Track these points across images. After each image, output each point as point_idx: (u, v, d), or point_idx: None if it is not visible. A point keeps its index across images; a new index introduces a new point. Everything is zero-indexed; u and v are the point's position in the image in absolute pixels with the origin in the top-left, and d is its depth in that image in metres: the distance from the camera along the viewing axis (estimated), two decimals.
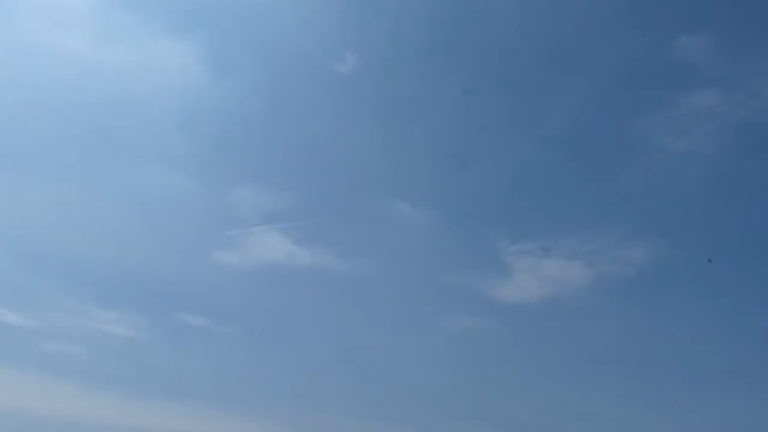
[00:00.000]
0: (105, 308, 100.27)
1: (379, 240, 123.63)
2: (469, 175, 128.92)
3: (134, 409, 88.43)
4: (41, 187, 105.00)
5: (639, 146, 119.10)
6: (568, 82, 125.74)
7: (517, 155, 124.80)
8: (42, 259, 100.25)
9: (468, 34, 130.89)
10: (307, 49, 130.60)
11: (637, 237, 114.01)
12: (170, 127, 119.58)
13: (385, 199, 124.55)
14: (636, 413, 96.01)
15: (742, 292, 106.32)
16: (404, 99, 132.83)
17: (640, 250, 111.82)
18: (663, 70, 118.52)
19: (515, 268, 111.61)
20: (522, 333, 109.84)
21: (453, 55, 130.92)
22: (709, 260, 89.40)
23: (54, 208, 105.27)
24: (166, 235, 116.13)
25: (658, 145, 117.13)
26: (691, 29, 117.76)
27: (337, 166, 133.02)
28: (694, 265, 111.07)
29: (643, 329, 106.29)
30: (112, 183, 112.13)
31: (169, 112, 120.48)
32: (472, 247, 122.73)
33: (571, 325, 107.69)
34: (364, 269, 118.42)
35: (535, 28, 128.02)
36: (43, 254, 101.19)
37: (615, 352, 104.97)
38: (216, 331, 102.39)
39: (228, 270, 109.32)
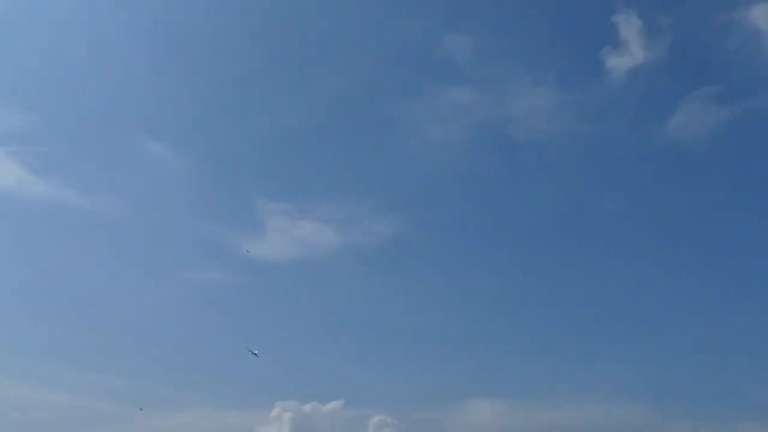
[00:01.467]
0: None
1: (130, 180, 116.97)
2: (237, 128, 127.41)
3: None
4: None
5: (399, 129, 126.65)
6: (345, 60, 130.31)
7: (287, 118, 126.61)
8: None
9: None
10: None
11: (386, 211, 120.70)
12: None
13: (143, 139, 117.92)
14: (370, 371, 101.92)
15: (475, 269, 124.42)
16: (184, 41, 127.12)
17: (386, 223, 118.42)
18: (429, 63, 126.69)
19: (269, 227, 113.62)
20: (267, 291, 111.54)
21: (241, 13, 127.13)
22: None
23: None
24: None
25: (415, 130, 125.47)
26: (457, 29, 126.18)
27: (92, 93, 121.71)
28: (432, 242, 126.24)
29: (381, 295, 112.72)
30: None
31: None
32: (228, 200, 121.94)
33: (315, 286, 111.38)
34: (107, 208, 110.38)
35: (324, 7, 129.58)
36: None
37: (355, 314, 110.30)
38: None
39: None
